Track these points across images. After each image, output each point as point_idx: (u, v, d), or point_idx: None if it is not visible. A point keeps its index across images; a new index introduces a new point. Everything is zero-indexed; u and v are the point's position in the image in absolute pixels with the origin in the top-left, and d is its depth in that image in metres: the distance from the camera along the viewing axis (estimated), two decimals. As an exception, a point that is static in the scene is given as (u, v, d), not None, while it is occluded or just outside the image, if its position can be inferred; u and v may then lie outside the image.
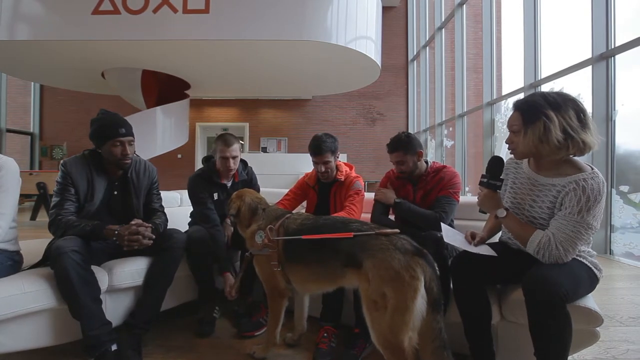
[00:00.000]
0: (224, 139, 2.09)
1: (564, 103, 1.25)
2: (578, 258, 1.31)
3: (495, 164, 1.39)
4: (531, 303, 1.20)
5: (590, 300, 1.34)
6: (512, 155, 1.42)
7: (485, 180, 1.38)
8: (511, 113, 1.36)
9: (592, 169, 1.28)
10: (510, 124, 1.35)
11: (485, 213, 1.46)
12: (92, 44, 5.08)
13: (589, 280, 1.30)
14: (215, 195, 2.14)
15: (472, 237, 1.51)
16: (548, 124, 1.23)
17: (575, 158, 1.32)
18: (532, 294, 1.19)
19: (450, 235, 1.53)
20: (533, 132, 1.26)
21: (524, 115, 1.29)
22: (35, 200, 6.15)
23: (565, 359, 1.19)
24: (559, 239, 1.24)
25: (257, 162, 5.19)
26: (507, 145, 1.39)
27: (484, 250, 1.44)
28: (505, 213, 1.35)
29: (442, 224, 1.62)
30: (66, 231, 1.58)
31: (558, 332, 1.17)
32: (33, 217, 5.98)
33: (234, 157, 2.08)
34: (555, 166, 1.32)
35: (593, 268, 1.32)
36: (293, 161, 7.51)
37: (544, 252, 1.26)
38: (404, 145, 1.86)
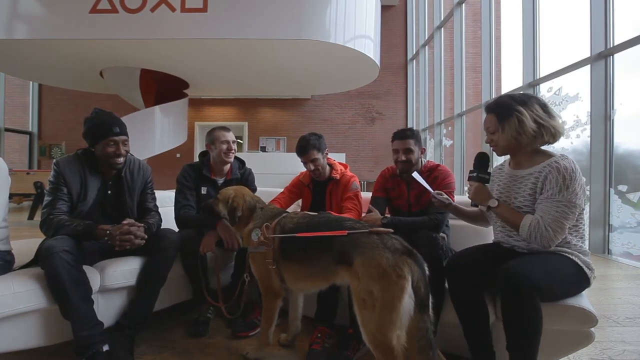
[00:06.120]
0: (220, 127, 2.17)
1: (528, 100, 1.40)
2: (569, 255, 1.32)
3: (482, 158, 1.49)
4: (502, 292, 1.24)
5: (584, 300, 1.33)
6: (498, 156, 1.51)
7: (474, 174, 1.47)
8: (484, 117, 1.49)
9: (562, 154, 1.38)
10: (486, 127, 1.48)
11: (477, 206, 1.52)
12: (90, 42, 5.07)
13: (574, 278, 1.31)
14: (204, 190, 2.14)
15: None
16: (521, 117, 1.36)
17: (545, 148, 1.44)
18: (502, 282, 1.23)
19: (421, 179, 1.72)
20: (510, 127, 1.39)
21: (497, 115, 1.42)
22: (32, 199, 6.14)
23: (535, 353, 1.20)
24: (547, 221, 1.29)
25: (256, 161, 5.18)
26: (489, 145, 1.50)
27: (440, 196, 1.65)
28: (497, 203, 1.43)
29: (415, 173, 1.74)
30: (58, 231, 1.56)
31: (526, 323, 1.18)
32: (31, 217, 5.97)
33: (234, 142, 2.15)
34: (530, 158, 1.43)
35: (584, 267, 1.32)
36: (292, 161, 7.42)
37: (535, 234, 1.30)
38: (415, 135, 1.94)
